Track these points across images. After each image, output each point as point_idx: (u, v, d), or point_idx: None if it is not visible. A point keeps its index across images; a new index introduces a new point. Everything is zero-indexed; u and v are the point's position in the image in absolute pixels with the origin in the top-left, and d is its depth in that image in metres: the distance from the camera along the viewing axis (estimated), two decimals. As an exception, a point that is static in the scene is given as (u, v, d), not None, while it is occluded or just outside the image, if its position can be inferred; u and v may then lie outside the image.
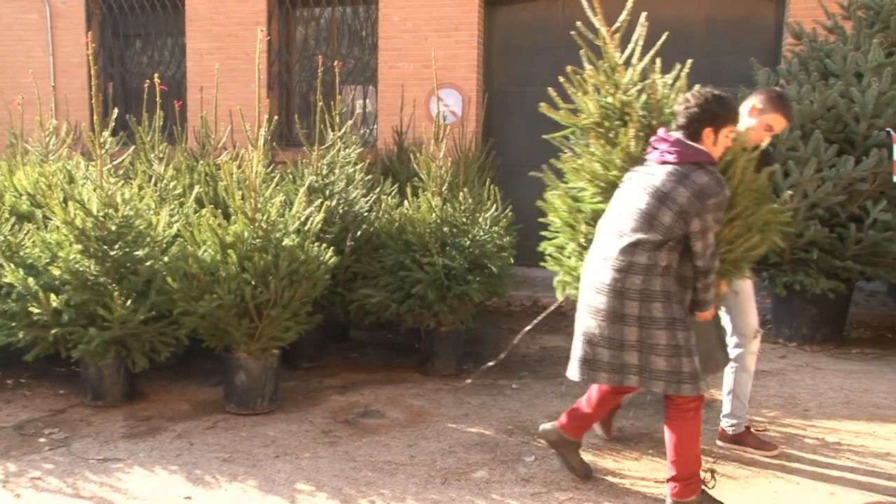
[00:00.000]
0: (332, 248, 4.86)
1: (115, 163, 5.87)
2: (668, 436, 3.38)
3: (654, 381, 3.23)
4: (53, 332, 4.46)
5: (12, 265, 4.55)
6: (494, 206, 5.66)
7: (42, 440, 4.22)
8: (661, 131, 3.32)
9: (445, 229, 5.31)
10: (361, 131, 9.10)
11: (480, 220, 5.45)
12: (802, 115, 6.11)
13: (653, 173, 3.25)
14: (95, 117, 4.56)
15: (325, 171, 5.68)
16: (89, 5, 9.84)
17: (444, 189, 5.40)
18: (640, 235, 3.18)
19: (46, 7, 9.82)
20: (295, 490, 3.66)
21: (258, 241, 4.53)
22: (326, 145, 5.83)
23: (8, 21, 10.04)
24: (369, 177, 6.20)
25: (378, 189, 6.09)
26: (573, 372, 3.41)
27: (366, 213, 5.68)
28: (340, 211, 5.58)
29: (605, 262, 3.27)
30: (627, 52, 3.63)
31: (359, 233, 5.54)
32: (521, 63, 8.79)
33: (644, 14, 3.68)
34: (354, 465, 3.94)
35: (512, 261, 5.71)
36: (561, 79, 3.84)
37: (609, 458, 4.04)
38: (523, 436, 4.34)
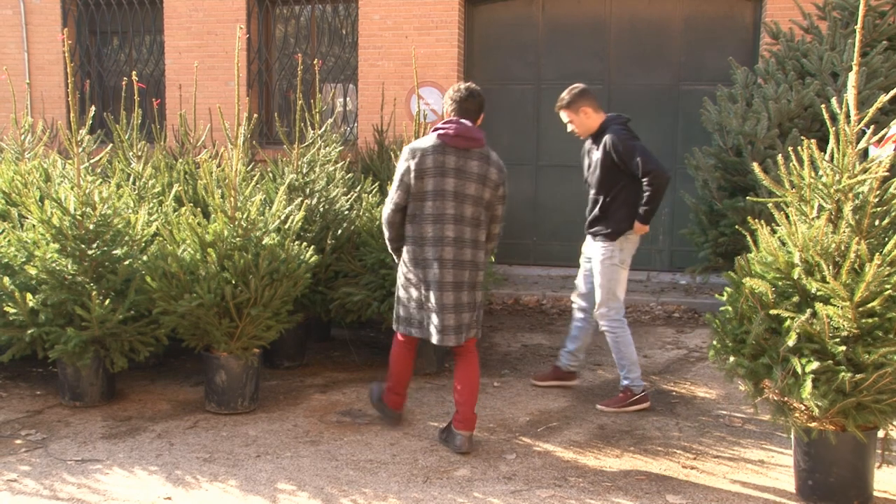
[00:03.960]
0: (312, 246, 4.85)
1: (92, 161, 5.82)
2: (465, 380, 3.99)
3: (470, 330, 3.98)
4: (30, 332, 4.41)
5: (-12, 265, 4.49)
6: None
7: (19, 441, 4.17)
8: (451, 122, 3.83)
9: (426, 227, 5.30)
10: (342, 130, 9.08)
11: None
12: (780, 114, 6.17)
13: (466, 157, 3.82)
14: (72, 115, 4.51)
15: (305, 170, 5.66)
16: (65, 2, 9.72)
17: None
18: (479, 216, 3.88)
19: (21, 3, 9.69)
20: (276, 489, 3.64)
21: (238, 239, 4.50)
22: (306, 144, 5.81)
23: (-18, 17, 9.90)
24: (350, 175, 6.19)
25: (359, 187, 6.08)
26: (449, 339, 3.91)
27: (346, 212, 5.67)
28: (321, 209, 5.56)
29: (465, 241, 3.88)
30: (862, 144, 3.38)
31: (339, 231, 5.52)
32: (501, 61, 8.81)
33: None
34: (336, 464, 3.93)
35: (493, 258, 5.72)
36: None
37: (591, 456, 4.06)
38: (505, 434, 4.35)
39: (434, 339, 3.94)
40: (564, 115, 4.73)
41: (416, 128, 5.42)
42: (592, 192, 4.83)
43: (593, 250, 4.78)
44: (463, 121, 3.81)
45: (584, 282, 4.94)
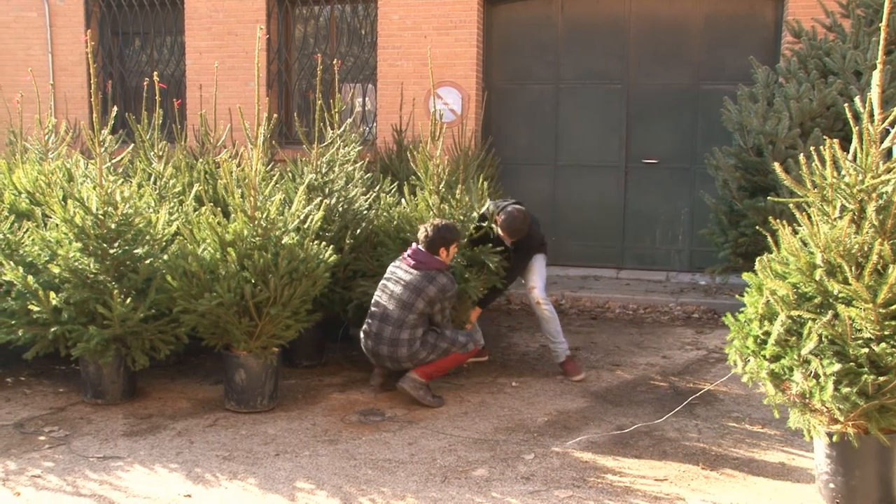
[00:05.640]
0: (331, 246, 4.86)
1: (114, 161, 5.88)
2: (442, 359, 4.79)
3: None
4: (53, 330, 4.46)
5: (12, 263, 4.55)
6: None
7: (42, 438, 4.22)
8: (414, 245, 4.85)
9: (444, 227, 5.31)
10: (361, 129, 9.10)
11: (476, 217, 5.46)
12: (802, 114, 6.12)
13: (409, 273, 4.76)
14: (95, 115, 4.55)
15: (324, 170, 5.68)
16: (88, 3, 9.82)
17: (441, 187, 5.40)
18: (405, 319, 4.70)
19: (46, 5, 9.81)
20: (295, 488, 3.66)
21: (258, 239, 4.53)
22: (326, 143, 5.82)
23: (7, 19, 10.02)
24: (369, 175, 6.20)
25: (378, 187, 6.10)
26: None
27: (365, 212, 5.68)
28: (340, 209, 5.57)
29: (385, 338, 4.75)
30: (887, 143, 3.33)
31: (358, 231, 5.54)
32: (520, 61, 8.79)
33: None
34: (354, 463, 3.94)
35: (501, 285, 5.68)
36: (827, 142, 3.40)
37: (609, 457, 4.04)
38: (523, 434, 4.34)
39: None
40: (511, 238, 5.36)
41: (432, 127, 5.43)
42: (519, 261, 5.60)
43: (534, 259, 5.58)
44: (421, 249, 4.80)
45: None
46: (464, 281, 5.19)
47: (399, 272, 4.83)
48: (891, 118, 3.31)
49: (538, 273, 5.57)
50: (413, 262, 4.78)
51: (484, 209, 5.51)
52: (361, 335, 4.92)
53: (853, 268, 3.23)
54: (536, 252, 5.60)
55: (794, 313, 3.33)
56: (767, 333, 3.45)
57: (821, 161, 3.44)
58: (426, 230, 4.81)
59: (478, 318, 5.56)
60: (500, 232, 5.36)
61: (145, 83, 6.56)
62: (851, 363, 3.20)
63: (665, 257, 8.62)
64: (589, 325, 6.85)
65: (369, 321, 4.87)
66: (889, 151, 3.42)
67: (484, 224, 5.43)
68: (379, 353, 4.77)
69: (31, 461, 3.91)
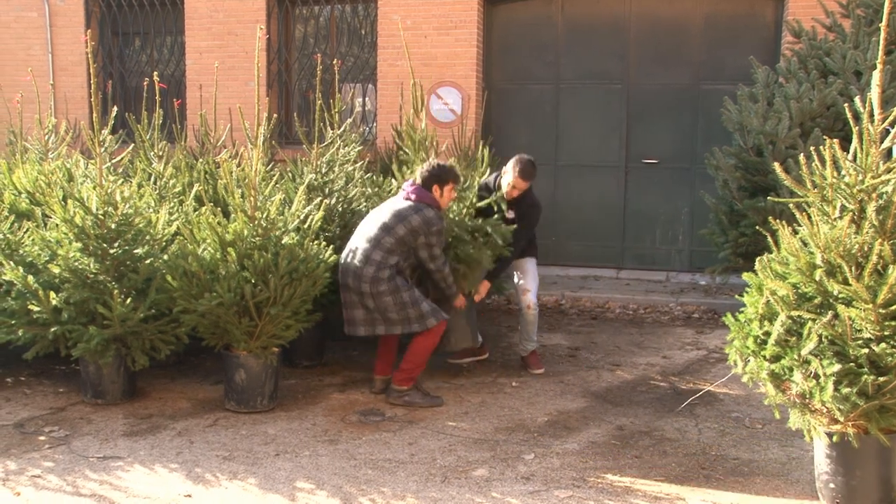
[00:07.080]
0: (331, 246, 4.86)
1: (114, 161, 5.88)
2: (411, 344, 4.81)
3: (392, 326, 4.74)
4: (53, 330, 4.46)
5: (12, 263, 4.55)
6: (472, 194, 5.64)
7: (42, 438, 4.22)
8: (410, 181, 4.88)
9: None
10: (361, 129, 9.10)
11: (455, 207, 5.41)
12: (802, 114, 6.11)
13: (399, 203, 4.78)
14: (95, 115, 4.56)
15: (324, 170, 5.68)
16: (88, 3, 9.82)
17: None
18: (381, 239, 4.66)
19: (46, 5, 9.81)
20: (295, 488, 3.66)
21: (258, 239, 4.53)
22: (326, 143, 5.82)
23: (7, 19, 10.02)
24: (369, 175, 6.20)
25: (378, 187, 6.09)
26: (352, 330, 4.84)
27: (365, 212, 5.67)
28: (340, 209, 5.58)
29: (358, 255, 4.72)
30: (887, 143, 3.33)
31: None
32: (520, 61, 8.79)
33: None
34: (354, 463, 3.94)
35: (508, 253, 5.68)
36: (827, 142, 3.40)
37: (609, 457, 4.04)
38: (523, 434, 4.34)
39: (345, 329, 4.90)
40: (523, 184, 5.35)
41: (395, 128, 5.46)
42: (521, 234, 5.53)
43: (527, 262, 5.67)
44: (417, 183, 4.85)
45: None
46: (477, 249, 5.17)
47: (390, 201, 4.93)
48: (891, 118, 3.31)
49: (533, 277, 5.62)
50: (405, 194, 4.84)
51: (485, 178, 5.56)
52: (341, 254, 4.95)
53: (853, 268, 3.23)
54: (529, 253, 5.65)
55: (794, 313, 3.33)
56: (767, 333, 3.45)
57: (821, 161, 3.43)
58: (423, 166, 4.90)
59: (482, 301, 5.58)
60: (509, 181, 5.31)
61: (145, 83, 6.56)
62: (851, 363, 3.20)
63: (665, 257, 8.62)
64: (589, 325, 6.85)
65: (351, 239, 4.91)
66: (889, 151, 3.42)
67: (488, 195, 5.44)
68: (347, 268, 4.75)
69: (31, 461, 3.91)
